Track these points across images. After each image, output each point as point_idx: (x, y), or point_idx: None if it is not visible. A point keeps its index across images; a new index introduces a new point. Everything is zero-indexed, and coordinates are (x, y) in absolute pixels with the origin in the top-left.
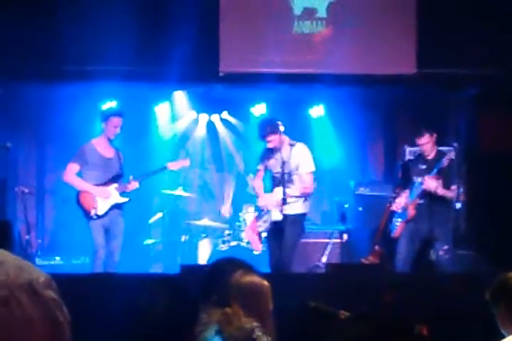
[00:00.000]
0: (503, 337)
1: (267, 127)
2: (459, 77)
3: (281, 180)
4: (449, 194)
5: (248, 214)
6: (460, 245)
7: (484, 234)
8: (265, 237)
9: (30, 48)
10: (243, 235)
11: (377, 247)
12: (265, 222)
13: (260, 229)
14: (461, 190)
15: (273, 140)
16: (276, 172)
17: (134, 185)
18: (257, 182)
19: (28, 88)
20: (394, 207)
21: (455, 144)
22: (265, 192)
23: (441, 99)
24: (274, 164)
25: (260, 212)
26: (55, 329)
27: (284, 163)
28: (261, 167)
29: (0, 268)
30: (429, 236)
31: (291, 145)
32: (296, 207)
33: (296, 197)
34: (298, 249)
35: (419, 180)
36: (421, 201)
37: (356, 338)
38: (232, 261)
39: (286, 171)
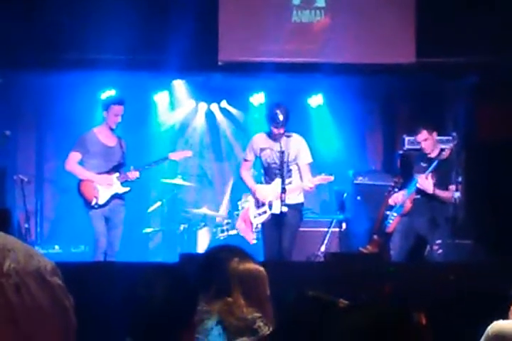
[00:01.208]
0: None
1: (281, 111)
2: (458, 65)
3: (279, 171)
4: (446, 195)
5: (247, 202)
6: (458, 234)
7: (483, 223)
8: (261, 228)
9: (30, 37)
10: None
11: (375, 236)
12: (261, 214)
13: (257, 221)
14: (460, 179)
15: (283, 126)
16: (273, 163)
17: (135, 174)
18: (246, 174)
19: (27, 76)
20: (391, 201)
21: (454, 134)
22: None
23: (441, 88)
24: (269, 154)
25: (258, 204)
26: (63, 315)
27: (282, 153)
28: (250, 157)
29: (11, 255)
30: (424, 231)
31: (288, 136)
32: (294, 197)
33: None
34: (297, 238)
35: (418, 177)
36: (418, 196)
37: (355, 327)
38: (226, 248)
39: (284, 162)
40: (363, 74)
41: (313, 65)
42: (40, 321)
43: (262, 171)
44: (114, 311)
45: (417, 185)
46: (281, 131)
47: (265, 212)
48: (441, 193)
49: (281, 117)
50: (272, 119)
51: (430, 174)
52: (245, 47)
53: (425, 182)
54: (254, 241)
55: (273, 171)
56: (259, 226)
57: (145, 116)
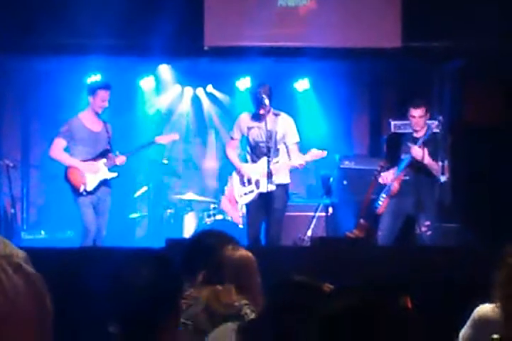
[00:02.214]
0: None
1: (264, 91)
2: (444, 50)
3: (267, 151)
4: (435, 166)
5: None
6: (445, 218)
7: (469, 207)
8: (246, 210)
9: (14, 22)
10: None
11: (362, 221)
12: (248, 193)
13: (243, 201)
14: (446, 162)
15: (267, 105)
16: (261, 142)
17: (122, 159)
18: (231, 153)
19: (12, 61)
20: (381, 180)
21: (440, 117)
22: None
23: (426, 72)
24: (257, 133)
25: (243, 182)
26: (39, 302)
27: (270, 132)
28: (237, 135)
29: None
30: (413, 212)
31: (276, 114)
32: (282, 177)
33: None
34: (283, 222)
35: (407, 156)
36: (405, 177)
37: (340, 311)
38: (214, 234)
39: (271, 141)
40: (349, 58)
41: (299, 49)
42: (18, 305)
43: (249, 150)
44: (100, 296)
45: (412, 154)
46: (265, 111)
47: (252, 191)
48: (432, 164)
49: (264, 96)
50: (256, 99)
51: (422, 145)
52: (231, 31)
53: (419, 151)
54: (241, 222)
55: (260, 150)
56: (244, 208)
57: (131, 101)
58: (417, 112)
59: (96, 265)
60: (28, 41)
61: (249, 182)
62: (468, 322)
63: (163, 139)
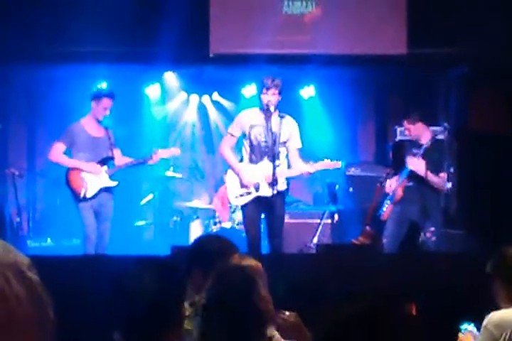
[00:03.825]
0: None
1: (273, 80)
2: (449, 56)
3: (270, 152)
4: (437, 180)
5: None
6: (449, 224)
7: (473, 213)
8: (243, 214)
9: (19, 31)
10: (234, 216)
11: (368, 228)
12: (244, 195)
13: (238, 202)
14: (451, 169)
15: (272, 99)
16: (264, 142)
17: (124, 160)
18: (228, 151)
19: (18, 70)
20: (386, 189)
21: (445, 124)
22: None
23: (432, 79)
24: (260, 132)
25: (242, 185)
26: (40, 308)
27: (273, 134)
28: (236, 132)
29: None
30: (417, 219)
31: (281, 116)
32: (280, 184)
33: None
34: (289, 229)
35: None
36: (409, 183)
37: (346, 318)
38: (217, 239)
39: (274, 143)
40: (355, 65)
41: (304, 56)
42: (18, 312)
43: (248, 149)
44: (104, 303)
45: (409, 167)
46: (272, 104)
47: (250, 193)
48: (432, 177)
49: (271, 83)
50: (263, 84)
51: (421, 157)
52: (237, 39)
53: (417, 163)
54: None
55: (262, 150)
56: (239, 213)
57: (137, 108)
58: (404, 129)
59: (100, 272)
60: (34, 50)
61: (249, 183)
62: (482, 333)
63: (163, 154)
